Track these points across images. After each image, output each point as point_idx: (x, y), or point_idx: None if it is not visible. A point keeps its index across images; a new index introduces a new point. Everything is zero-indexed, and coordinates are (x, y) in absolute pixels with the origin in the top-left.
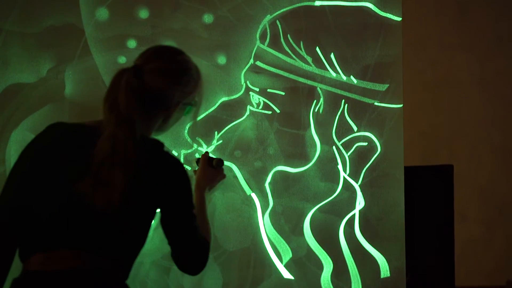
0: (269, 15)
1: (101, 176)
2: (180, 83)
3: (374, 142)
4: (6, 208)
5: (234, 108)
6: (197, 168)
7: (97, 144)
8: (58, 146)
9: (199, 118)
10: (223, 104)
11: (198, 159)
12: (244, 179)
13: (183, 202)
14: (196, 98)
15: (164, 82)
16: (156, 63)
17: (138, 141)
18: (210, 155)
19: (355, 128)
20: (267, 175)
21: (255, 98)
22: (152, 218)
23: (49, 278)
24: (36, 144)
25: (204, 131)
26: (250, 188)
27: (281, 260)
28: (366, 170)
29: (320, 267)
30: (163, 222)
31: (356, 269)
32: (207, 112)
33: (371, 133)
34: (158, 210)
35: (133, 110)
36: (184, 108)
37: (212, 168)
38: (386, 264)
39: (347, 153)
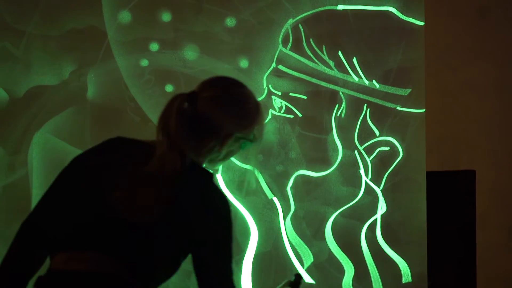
0: (291, 19)
1: (141, 190)
2: (234, 115)
3: (396, 146)
4: (45, 211)
5: None
6: None
7: (151, 161)
8: (110, 155)
9: None
10: None
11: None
12: (266, 183)
13: (219, 245)
14: (255, 133)
15: (216, 111)
16: (212, 91)
17: (187, 166)
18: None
19: (377, 133)
20: (288, 179)
21: (277, 102)
22: (185, 252)
23: (69, 278)
24: (89, 153)
25: None
26: (271, 192)
27: (302, 264)
28: (388, 175)
29: (341, 271)
30: (195, 264)
31: (377, 274)
32: None
33: (393, 137)
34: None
35: (182, 136)
36: (239, 142)
37: None
38: (408, 269)
39: (369, 157)
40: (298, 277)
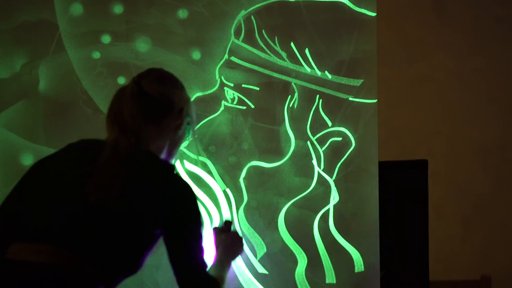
0: (244, 10)
1: (102, 176)
2: (177, 87)
3: (349, 137)
4: (7, 206)
5: (208, 103)
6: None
7: (105, 149)
8: (68, 158)
9: None
10: (198, 99)
11: (228, 222)
12: (219, 174)
13: (188, 229)
14: (192, 114)
15: (162, 87)
16: (151, 74)
17: (145, 155)
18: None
19: (329, 123)
20: (241, 170)
21: (230, 93)
22: (148, 243)
23: (17, 268)
24: (52, 156)
25: None
26: (224, 183)
27: (255, 254)
28: (340, 165)
29: (294, 261)
30: (168, 250)
31: (330, 264)
32: None
33: (345, 128)
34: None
35: (140, 121)
36: (187, 122)
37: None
38: (361, 259)
39: (321, 148)
40: (228, 223)
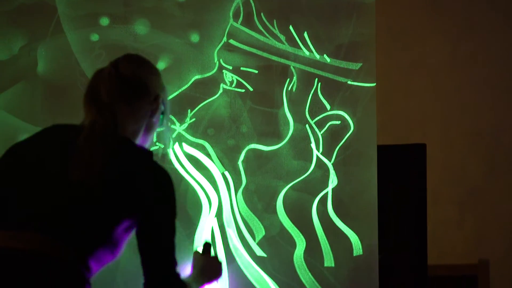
0: None
1: (82, 156)
2: (154, 73)
3: (347, 120)
4: None
5: (207, 86)
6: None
7: (83, 130)
8: (44, 142)
9: (171, 96)
10: (196, 82)
11: (208, 244)
12: (217, 157)
13: (162, 221)
14: (166, 103)
15: (139, 71)
16: (128, 58)
17: (122, 139)
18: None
19: (328, 107)
20: (240, 153)
21: (228, 76)
22: (125, 230)
23: None
24: (25, 141)
25: (178, 109)
26: (223, 166)
27: (254, 238)
28: (339, 148)
29: (293, 245)
30: (139, 240)
31: (329, 247)
32: (180, 90)
33: (344, 111)
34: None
35: (113, 98)
36: (161, 109)
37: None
38: (359, 242)
39: (320, 131)
40: (207, 245)
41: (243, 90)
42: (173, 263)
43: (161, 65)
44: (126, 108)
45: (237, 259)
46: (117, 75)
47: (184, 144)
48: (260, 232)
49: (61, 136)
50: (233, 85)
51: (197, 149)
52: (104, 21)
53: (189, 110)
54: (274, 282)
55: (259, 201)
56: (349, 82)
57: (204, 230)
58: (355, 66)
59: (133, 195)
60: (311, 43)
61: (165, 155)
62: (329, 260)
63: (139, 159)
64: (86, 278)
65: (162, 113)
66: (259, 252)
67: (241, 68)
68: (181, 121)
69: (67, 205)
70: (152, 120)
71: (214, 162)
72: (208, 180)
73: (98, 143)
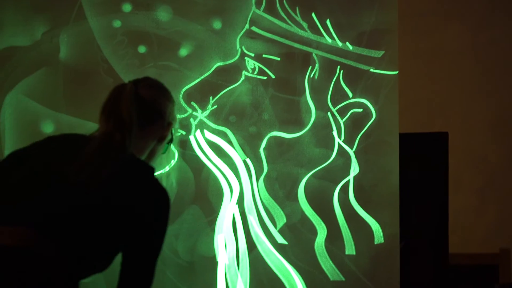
0: None
1: (88, 161)
2: (170, 101)
3: (369, 108)
4: None
5: (229, 73)
6: None
7: (93, 140)
8: (49, 148)
9: (194, 83)
10: (218, 69)
11: None
12: (239, 144)
13: (151, 235)
14: (174, 134)
15: (156, 95)
16: (148, 82)
17: (130, 155)
18: None
19: (350, 95)
20: (261, 141)
21: (250, 63)
22: (119, 241)
23: None
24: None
25: (199, 96)
26: (244, 153)
27: (275, 225)
28: (361, 136)
29: (314, 232)
30: (125, 253)
31: (350, 235)
32: (202, 77)
33: (366, 99)
34: None
35: (132, 118)
36: (164, 145)
37: None
38: (380, 230)
39: (342, 119)
40: None
41: (265, 78)
42: (148, 283)
43: (183, 52)
44: (139, 129)
45: (258, 246)
46: (138, 96)
47: (205, 131)
48: (281, 220)
49: (66, 143)
50: (255, 72)
51: (219, 136)
52: (127, 7)
53: (211, 97)
54: (295, 270)
55: (280, 188)
56: (371, 70)
57: (226, 217)
58: (378, 54)
59: (129, 206)
60: (334, 31)
61: (186, 142)
62: (350, 248)
63: (141, 173)
64: (75, 279)
65: (168, 141)
66: (280, 239)
67: (263, 55)
68: (203, 108)
69: (64, 206)
70: (158, 145)
71: (235, 149)
72: (229, 167)
73: (111, 154)
